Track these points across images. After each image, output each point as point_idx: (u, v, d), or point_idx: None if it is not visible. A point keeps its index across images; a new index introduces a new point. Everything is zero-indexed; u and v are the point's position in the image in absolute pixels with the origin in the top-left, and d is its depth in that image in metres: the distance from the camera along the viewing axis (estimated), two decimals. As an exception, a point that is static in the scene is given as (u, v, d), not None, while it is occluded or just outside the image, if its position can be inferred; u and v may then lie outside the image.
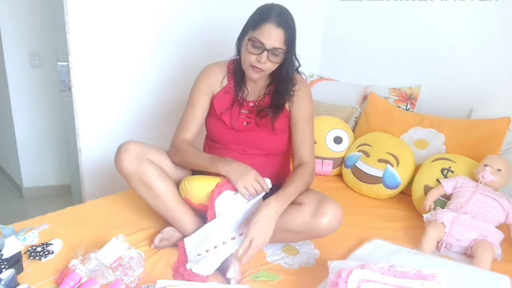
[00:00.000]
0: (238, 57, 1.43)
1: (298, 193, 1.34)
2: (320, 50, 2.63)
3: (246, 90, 1.47)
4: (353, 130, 2.18)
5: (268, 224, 1.23)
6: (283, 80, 1.41)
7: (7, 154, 3.15)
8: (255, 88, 1.48)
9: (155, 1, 2.00)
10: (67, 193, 2.73)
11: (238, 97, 1.47)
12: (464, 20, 1.98)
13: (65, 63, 1.90)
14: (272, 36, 1.29)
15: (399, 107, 2.13)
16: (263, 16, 1.31)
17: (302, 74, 1.50)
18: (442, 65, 2.08)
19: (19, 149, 2.85)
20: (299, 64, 1.44)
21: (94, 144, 2.02)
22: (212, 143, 1.53)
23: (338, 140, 2.07)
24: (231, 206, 1.31)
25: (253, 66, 1.34)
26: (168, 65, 2.12)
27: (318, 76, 2.60)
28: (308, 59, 2.60)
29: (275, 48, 1.30)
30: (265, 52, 1.30)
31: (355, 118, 2.23)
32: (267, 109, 1.44)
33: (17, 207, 2.83)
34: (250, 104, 1.48)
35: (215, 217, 1.31)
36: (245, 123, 1.47)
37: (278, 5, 1.35)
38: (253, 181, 1.28)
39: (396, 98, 2.18)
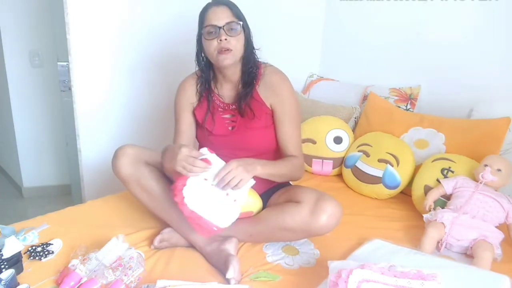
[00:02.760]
0: (200, 68, 1.46)
1: (281, 169, 1.38)
2: (320, 50, 2.63)
3: (221, 96, 1.47)
4: (353, 130, 2.18)
5: (249, 169, 1.25)
6: (246, 56, 1.40)
7: (7, 154, 3.15)
8: (230, 89, 1.47)
9: (156, 1, 2.00)
10: (67, 193, 2.74)
11: (217, 102, 1.47)
12: (464, 20, 1.98)
13: (65, 63, 1.90)
14: (218, 14, 1.33)
15: (399, 107, 2.13)
16: (204, 9, 1.38)
17: (268, 65, 1.48)
18: (442, 65, 2.08)
19: (19, 149, 2.85)
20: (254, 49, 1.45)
21: (94, 144, 2.02)
22: None
23: (338, 140, 2.07)
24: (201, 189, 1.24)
25: (219, 52, 1.33)
26: (169, 66, 2.12)
27: (318, 76, 2.60)
28: (308, 59, 2.63)
29: (228, 23, 1.32)
30: (221, 30, 1.32)
31: (355, 118, 2.23)
32: (242, 99, 1.43)
33: (17, 207, 2.84)
34: (231, 107, 1.47)
35: (190, 212, 1.22)
36: (230, 128, 1.46)
37: None
38: (185, 159, 1.21)
39: (396, 98, 2.18)
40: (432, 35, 2.10)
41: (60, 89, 2.03)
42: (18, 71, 2.70)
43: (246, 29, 1.39)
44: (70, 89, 1.92)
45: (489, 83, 1.92)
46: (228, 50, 1.33)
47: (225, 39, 1.32)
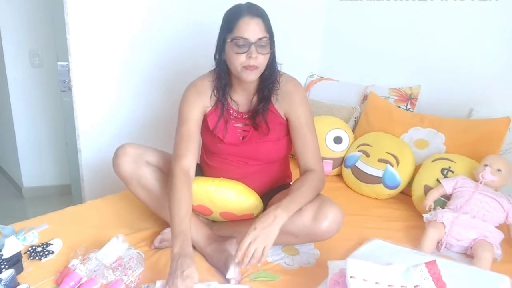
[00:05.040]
0: (218, 70, 1.36)
1: (306, 199, 1.27)
2: (320, 50, 2.63)
3: (235, 104, 1.40)
4: (353, 130, 2.18)
5: (267, 232, 1.16)
6: (268, 70, 1.32)
7: (7, 154, 3.15)
8: (245, 98, 1.41)
9: (156, 2, 2.00)
10: (67, 193, 2.74)
11: (231, 111, 1.40)
12: (464, 20, 1.98)
13: (65, 63, 1.90)
14: (251, 27, 1.23)
15: (399, 107, 2.13)
16: (235, 14, 1.26)
17: (283, 73, 1.41)
18: (442, 65, 2.08)
19: (19, 149, 2.85)
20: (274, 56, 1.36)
21: (94, 144, 2.02)
22: (212, 154, 1.48)
23: (338, 140, 2.07)
24: None
25: (245, 67, 1.25)
26: (169, 66, 2.12)
27: (318, 76, 2.60)
28: (308, 59, 2.63)
29: (260, 39, 1.23)
30: (253, 46, 1.23)
31: (355, 118, 2.23)
32: (259, 113, 1.36)
33: (17, 207, 2.84)
34: (244, 116, 1.41)
35: None
36: (241, 138, 1.40)
37: (245, 2, 1.30)
38: None
39: (396, 98, 2.18)
40: (432, 35, 2.09)
41: (60, 89, 2.02)
42: (18, 71, 2.70)
43: (272, 43, 1.30)
44: (70, 89, 1.92)
45: (489, 83, 1.92)
46: (255, 67, 1.26)
47: (255, 57, 1.23)
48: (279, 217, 1.18)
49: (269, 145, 1.41)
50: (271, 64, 1.33)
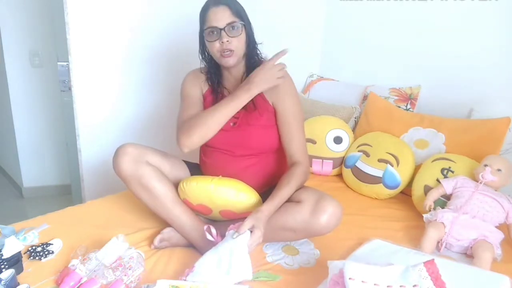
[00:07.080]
0: (205, 64, 1.47)
1: (284, 197, 1.33)
2: (320, 50, 2.63)
3: (226, 91, 1.47)
4: (353, 130, 2.18)
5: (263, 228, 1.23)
6: (249, 52, 1.41)
7: (7, 154, 3.15)
8: (235, 85, 1.46)
9: (156, 1, 2.00)
10: (67, 193, 2.74)
11: (219, 98, 1.46)
12: (464, 20, 1.98)
13: (65, 63, 1.90)
14: (217, 15, 1.32)
15: (399, 107, 2.13)
16: (203, 8, 1.37)
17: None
18: (442, 65, 2.08)
19: (19, 149, 2.85)
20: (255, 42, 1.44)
21: (94, 144, 2.02)
22: (206, 147, 1.51)
23: (338, 140, 2.07)
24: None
25: (222, 54, 1.34)
26: (169, 66, 2.12)
27: (318, 76, 2.60)
28: (308, 59, 2.63)
29: (228, 24, 1.32)
30: (222, 32, 1.31)
31: (355, 118, 2.23)
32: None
33: (17, 207, 2.84)
34: None
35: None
36: (231, 124, 1.45)
37: None
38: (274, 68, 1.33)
39: (396, 98, 2.18)
40: (432, 35, 2.09)
41: (60, 89, 2.03)
42: (18, 71, 2.70)
43: (247, 26, 1.38)
44: (70, 89, 1.92)
45: (489, 83, 1.92)
46: (230, 51, 1.34)
47: (227, 41, 1.32)
48: (265, 220, 1.26)
49: (258, 132, 1.44)
50: (251, 47, 1.41)
